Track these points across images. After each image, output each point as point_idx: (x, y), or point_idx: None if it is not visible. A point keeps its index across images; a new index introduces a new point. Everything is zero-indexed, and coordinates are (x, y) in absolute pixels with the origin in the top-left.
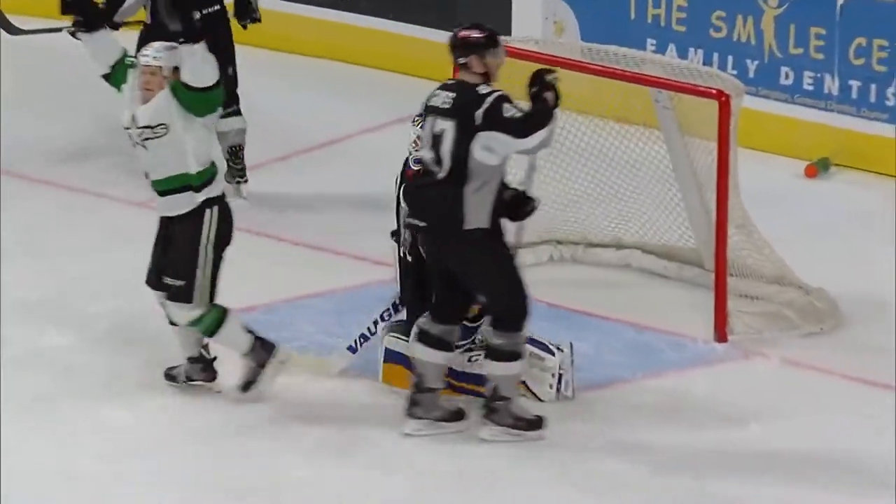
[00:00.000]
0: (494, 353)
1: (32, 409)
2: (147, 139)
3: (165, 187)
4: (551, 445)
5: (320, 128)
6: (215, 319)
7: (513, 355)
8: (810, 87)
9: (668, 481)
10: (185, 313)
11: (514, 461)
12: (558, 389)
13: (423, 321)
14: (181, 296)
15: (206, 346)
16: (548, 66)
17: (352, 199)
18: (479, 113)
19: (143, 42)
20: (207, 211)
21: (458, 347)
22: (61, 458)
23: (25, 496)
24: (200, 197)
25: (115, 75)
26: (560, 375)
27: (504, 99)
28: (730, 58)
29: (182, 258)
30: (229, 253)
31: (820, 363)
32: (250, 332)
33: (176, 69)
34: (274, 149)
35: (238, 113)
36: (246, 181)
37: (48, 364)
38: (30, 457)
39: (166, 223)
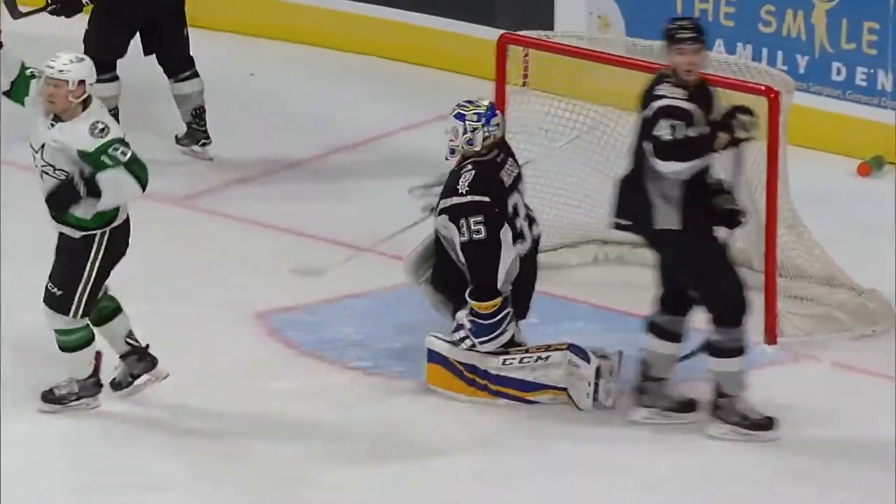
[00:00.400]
0: (716, 350)
1: None
2: (46, 174)
3: (58, 219)
4: (608, 441)
5: (359, 125)
6: (82, 340)
7: (734, 351)
8: (863, 83)
9: (718, 484)
10: (58, 321)
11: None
12: (595, 398)
13: (652, 313)
14: (56, 305)
15: (131, 335)
16: (748, 108)
17: (391, 197)
18: (644, 115)
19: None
20: (100, 232)
21: (512, 346)
22: None
23: None
24: (95, 232)
25: (16, 90)
26: (596, 384)
27: (664, 112)
28: (779, 53)
29: (68, 270)
30: (271, 252)
31: (872, 366)
32: (134, 344)
33: (82, 82)
34: (314, 146)
35: (196, 75)
36: (210, 142)
37: None
38: None
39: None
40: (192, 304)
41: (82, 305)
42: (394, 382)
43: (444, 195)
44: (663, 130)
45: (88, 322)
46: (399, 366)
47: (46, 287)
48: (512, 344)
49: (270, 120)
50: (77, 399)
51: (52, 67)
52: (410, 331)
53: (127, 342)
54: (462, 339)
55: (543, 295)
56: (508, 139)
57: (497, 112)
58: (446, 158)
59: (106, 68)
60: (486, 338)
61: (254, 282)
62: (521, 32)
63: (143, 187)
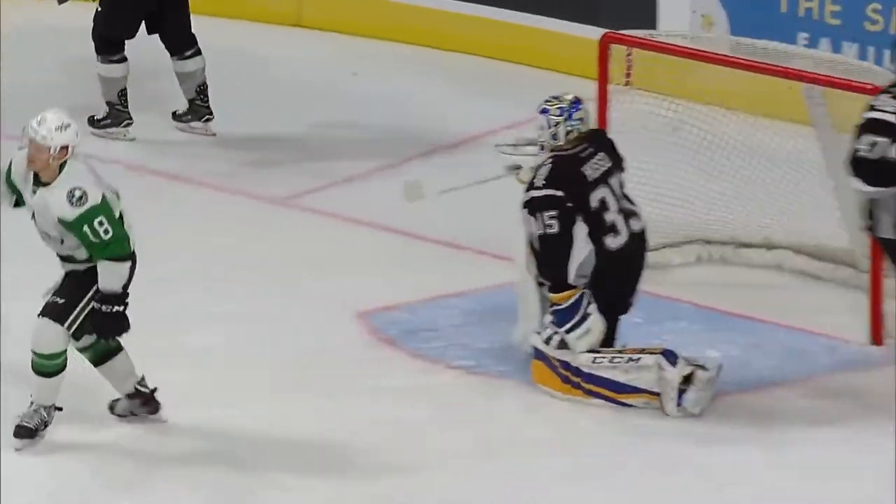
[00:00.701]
0: None
1: None
2: (48, 238)
3: (68, 259)
4: (697, 442)
5: (462, 124)
6: (60, 366)
7: None
8: None
9: (821, 486)
10: (51, 337)
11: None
12: (679, 404)
13: None
14: (54, 314)
15: (141, 381)
16: None
17: (492, 197)
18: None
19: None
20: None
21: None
22: None
23: None
24: None
25: (10, 189)
26: (681, 391)
27: (868, 125)
28: (886, 52)
29: (77, 284)
30: (373, 250)
31: None
32: (142, 382)
33: (65, 148)
34: (416, 145)
35: (199, 52)
36: (213, 118)
37: None
38: None
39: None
40: (295, 302)
41: (78, 321)
42: (495, 381)
43: (525, 189)
44: (862, 145)
45: (67, 350)
46: (500, 365)
47: (48, 301)
48: (608, 345)
49: (373, 119)
50: (45, 427)
51: (36, 132)
52: (511, 330)
53: (136, 387)
54: (550, 336)
55: (646, 295)
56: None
57: (581, 106)
58: (535, 155)
59: (115, 49)
60: (568, 325)
61: (355, 280)
62: (624, 32)
63: (129, 259)
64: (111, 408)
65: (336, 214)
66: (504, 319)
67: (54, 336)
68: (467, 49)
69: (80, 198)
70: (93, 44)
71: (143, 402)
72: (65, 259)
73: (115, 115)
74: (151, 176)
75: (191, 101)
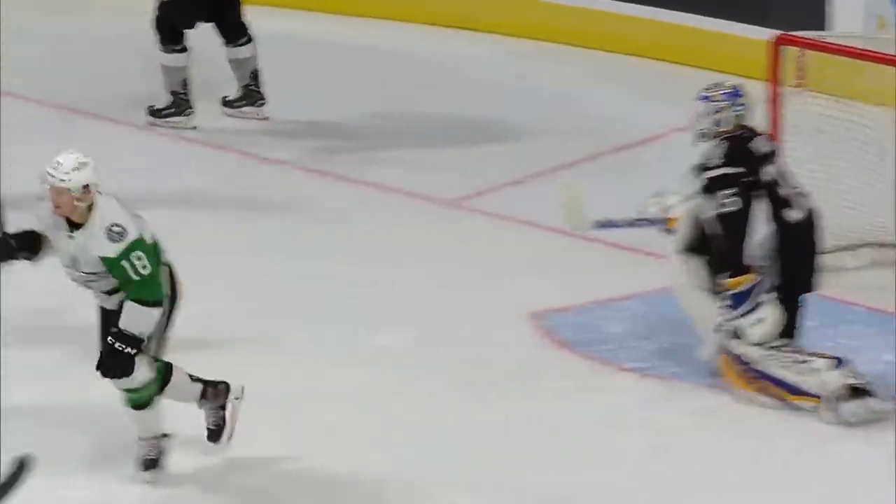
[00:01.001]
0: None
1: None
2: (91, 281)
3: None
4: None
5: (632, 126)
6: (151, 394)
7: None
8: None
9: None
10: (132, 377)
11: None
12: (836, 412)
13: None
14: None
15: (193, 377)
16: None
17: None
18: None
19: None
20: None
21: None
22: None
23: None
24: None
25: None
26: (839, 401)
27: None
28: None
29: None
30: (544, 252)
31: None
32: (197, 379)
33: (86, 187)
34: (585, 147)
35: (251, 40)
36: (265, 102)
37: None
38: None
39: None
40: (468, 303)
41: (155, 347)
42: (669, 384)
43: (697, 172)
44: None
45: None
46: (674, 367)
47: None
48: (789, 332)
49: (541, 122)
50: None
51: (53, 176)
52: (683, 332)
53: (202, 384)
54: (723, 324)
55: (820, 298)
56: (783, 141)
57: (742, 92)
58: (695, 144)
59: (178, 38)
60: (741, 310)
61: (527, 282)
62: (797, 33)
63: (159, 305)
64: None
65: (507, 216)
66: (675, 322)
67: (136, 367)
68: (637, 52)
69: (120, 233)
70: (155, 33)
71: (214, 395)
72: (108, 293)
73: (179, 104)
74: (319, 177)
75: (245, 87)
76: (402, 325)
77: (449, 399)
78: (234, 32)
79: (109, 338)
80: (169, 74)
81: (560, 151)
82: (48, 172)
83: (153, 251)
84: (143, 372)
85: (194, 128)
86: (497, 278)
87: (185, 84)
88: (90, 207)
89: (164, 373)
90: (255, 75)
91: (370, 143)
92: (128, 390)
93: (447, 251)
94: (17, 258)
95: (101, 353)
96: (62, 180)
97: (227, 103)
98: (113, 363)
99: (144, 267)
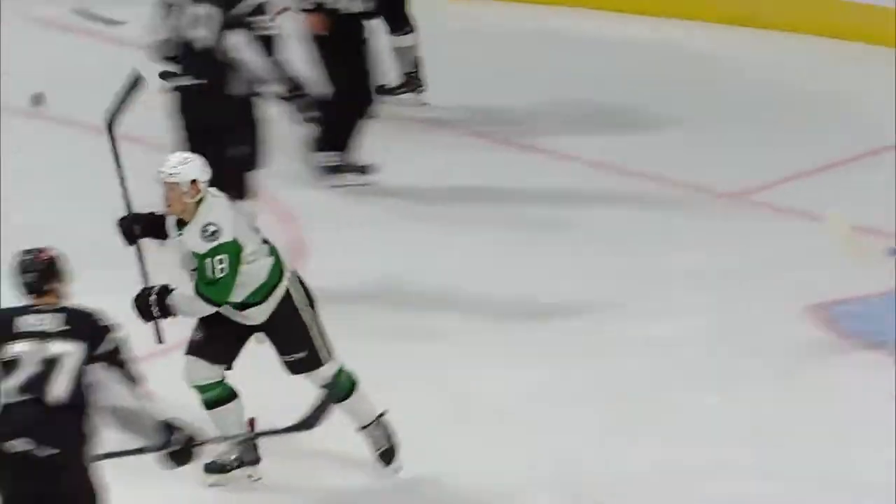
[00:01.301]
0: None
1: None
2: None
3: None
4: None
5: None
6: (349, 381)
7: None
8: None
9: None
10: (322, 374)
11: None
12: None
13: None
14: (309, 364)
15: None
16: None
17: None
18: None
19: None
20: (278, 289)
21: None
22: None
23: None
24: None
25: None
26: None
27: None
28: None
29: (291, 332)
30: (824, 244)
31: None
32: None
33: (194, 182)
34: (864, 144)
35: (413, 30)
36: (425, 89)
37: None
38: None
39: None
40: (753, 296)
41: (325, 345)
42: None
43: None
44: None
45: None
46: None
47: (285, 362)
48: None
49: (819, 118)
50: (239, 465)
51: (163, 172)
52: None
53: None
54: None
55: None
56: None
57: None
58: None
59: (404, 22)
60: None
61: (806, 274)
62: None
63: (217, 306)
64: (215, 467)
65: (789, 210)
66: None
67: (324, 372)
68: None
69: (213, 233)
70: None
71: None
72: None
73: (411, 81)
74: (581, 164)
75: (407, 74)
76: (689, 315)
77: (724, 385)
78: (399, 23)
79: (155, 289)
80: (400, 55)
81: (838, 147)
82: (160, 170)
83: (237, 257)
84: (326, 370)
85: (426, 104)
86: (781, 270)
87: (416, 63)
88: (199, 205)
89: (351, 383)
90: (415, 63)
91: (654, 138)
92: (196, 387)
93: (730, 244)
94: (142, 237)
95: (137, 295)
96: (171, 174)
97: (384, 91)
98: (138, 304)
99: (222, 270)
